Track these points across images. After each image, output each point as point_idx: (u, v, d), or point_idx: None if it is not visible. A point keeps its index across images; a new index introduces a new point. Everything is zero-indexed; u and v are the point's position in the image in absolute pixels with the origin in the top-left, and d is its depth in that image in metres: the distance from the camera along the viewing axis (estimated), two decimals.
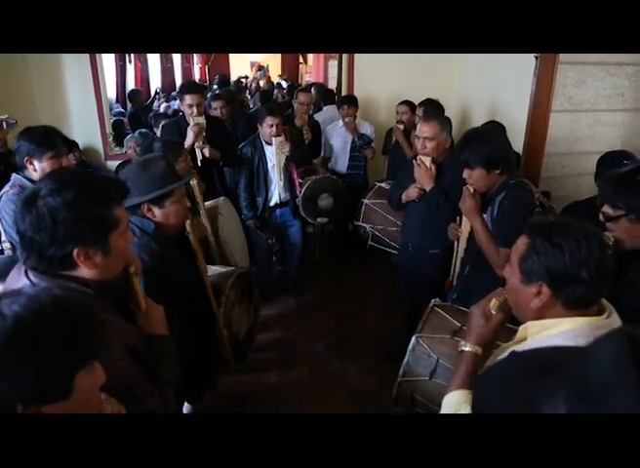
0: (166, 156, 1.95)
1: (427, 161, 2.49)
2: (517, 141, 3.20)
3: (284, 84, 8.04)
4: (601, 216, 1.50)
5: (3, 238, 2.22)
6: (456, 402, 1.15)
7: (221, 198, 2.99)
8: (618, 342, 0.63)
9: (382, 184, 3.62)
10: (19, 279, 1.11)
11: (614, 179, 1.51)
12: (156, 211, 1.74)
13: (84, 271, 1.11)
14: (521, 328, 1.13)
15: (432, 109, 3.33)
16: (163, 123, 3.84)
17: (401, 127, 3.76)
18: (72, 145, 3.40)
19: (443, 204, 2.44)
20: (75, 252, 1.07)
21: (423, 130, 2.48)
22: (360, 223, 3.59)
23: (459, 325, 1.80)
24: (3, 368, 0.74)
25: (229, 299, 2.08)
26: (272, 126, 3.20)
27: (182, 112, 3.33)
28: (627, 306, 1.13)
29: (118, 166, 3.75)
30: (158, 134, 3.91)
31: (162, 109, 6.70)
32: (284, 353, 3.15)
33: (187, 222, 1.86)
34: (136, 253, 1.43)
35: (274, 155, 3.30)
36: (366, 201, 3.56)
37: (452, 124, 2.64)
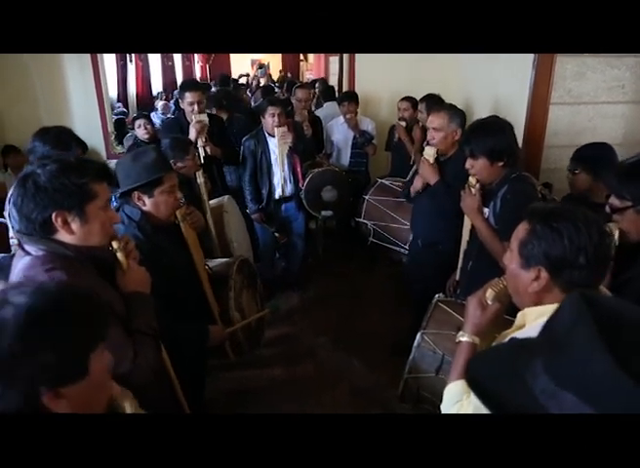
0: (157, 148, 1.96)
1: (432, 152, 2.50)
2: (517, 134, 3.18)
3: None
4: (607, 208, 1.50)
5: (11, 233, 2.24)
6: (456, 392, 1.15)
7: (226, 196, 3.01)
8: (575, 297, 0.69)
9: (384, 181, 3.62)
10: (19, 254, 1.27)
11: (621, 170, 1.51)
12: (146, 200, 1.78)
13: (64, 236, 1.26)
14: (519, 314, 1.15)
15: (434, 104, 3.32)
16: (140, 122, 3.84)
17: (403, 124, 3.73)
18: (85, 147, 3.40)
19: (448, 197, 2.43)
20: (54, 215, 1.22)
21: (431, 120, 2.50)
22: (362, 220, 3.59)
23: (463, 320, 1.81)
24: (24, 354, 0.78)
25: (237, 283, 2.10)
26: (274, 115, 3.21)
27: (183, 110, 3.32)
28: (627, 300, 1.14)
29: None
30: (137, 133, 3.92)
31: (160, 108, 6.70)
32: (288, 348, 3.16)
33: (178, 211, 1.88)
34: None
35: (277, 146, 3.31)
36: (368, 197, 3.56)
37: (465, 116, 2.63)
